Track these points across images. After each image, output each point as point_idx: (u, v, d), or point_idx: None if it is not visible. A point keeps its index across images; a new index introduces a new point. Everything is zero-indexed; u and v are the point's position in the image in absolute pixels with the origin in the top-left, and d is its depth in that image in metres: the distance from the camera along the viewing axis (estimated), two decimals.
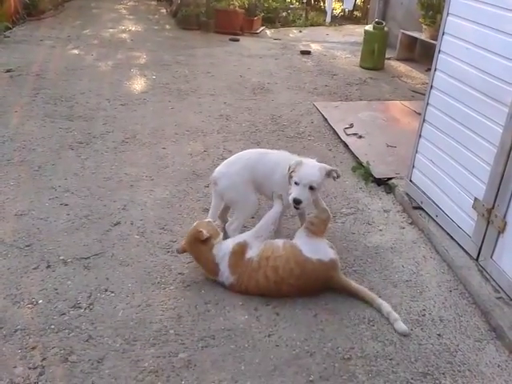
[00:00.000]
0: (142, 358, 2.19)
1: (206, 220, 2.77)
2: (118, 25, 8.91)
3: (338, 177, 2.74)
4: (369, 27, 7.05)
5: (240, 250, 2.60)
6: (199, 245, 2.60)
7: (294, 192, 2.61)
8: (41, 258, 2.78)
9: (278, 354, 2.24)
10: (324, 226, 2.70)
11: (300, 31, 9.59)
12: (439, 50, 3.07)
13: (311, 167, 2.65)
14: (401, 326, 2.41)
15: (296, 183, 2.61)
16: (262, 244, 2.63)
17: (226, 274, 2.58)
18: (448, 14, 2.98)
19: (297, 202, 2.60)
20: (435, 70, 3.11)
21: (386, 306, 2.49)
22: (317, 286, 2.57)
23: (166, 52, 7.18)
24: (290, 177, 2.65)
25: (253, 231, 2.71)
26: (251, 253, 2.59)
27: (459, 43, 2.89)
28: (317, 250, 2.58)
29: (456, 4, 2.92)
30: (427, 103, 3.18)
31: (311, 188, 2.61)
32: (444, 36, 3.02)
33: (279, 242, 2.66)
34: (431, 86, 3.14)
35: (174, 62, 6.71)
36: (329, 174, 2.69)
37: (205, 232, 2.59)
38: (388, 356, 2.26)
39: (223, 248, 2.62)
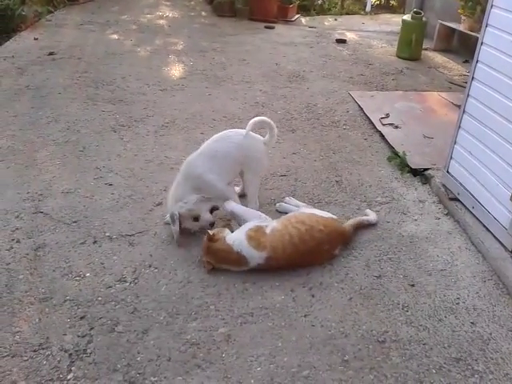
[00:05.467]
0: (184, 331, 2.30)
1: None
2: (155, 10, 9.04)
3: None
4: (407, 17, 6.97)
5: (258, 232, 2.69)
6: (214, 245, 2.64)
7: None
8: (87, 234, 2.91)
9: (314, 333, 2.33)
10: None
11: (335, 19, 9.53)
12: (482, 42, 3.05)
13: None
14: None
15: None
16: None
17: (255, 255, 2.62)
18: (492, 5, 2.96)
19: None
20: (477, 61, 3.09)
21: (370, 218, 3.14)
22: (341, 237, 2.86)
23: (202, 39, 7.26)
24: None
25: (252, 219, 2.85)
26: (270, 228, 2.73)
27: (503, 36, 2.86)
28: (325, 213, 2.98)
29: None
30: (468, 95, 3.17)
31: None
32: (487, 28, 3.00)
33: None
34: (472, 78, 3.14)
35: (211, 48, 6.79)
36: None
37: (210, 232, 2.67)
38: (421, 341, 2.31)
39: (235, 237, 2.68)
